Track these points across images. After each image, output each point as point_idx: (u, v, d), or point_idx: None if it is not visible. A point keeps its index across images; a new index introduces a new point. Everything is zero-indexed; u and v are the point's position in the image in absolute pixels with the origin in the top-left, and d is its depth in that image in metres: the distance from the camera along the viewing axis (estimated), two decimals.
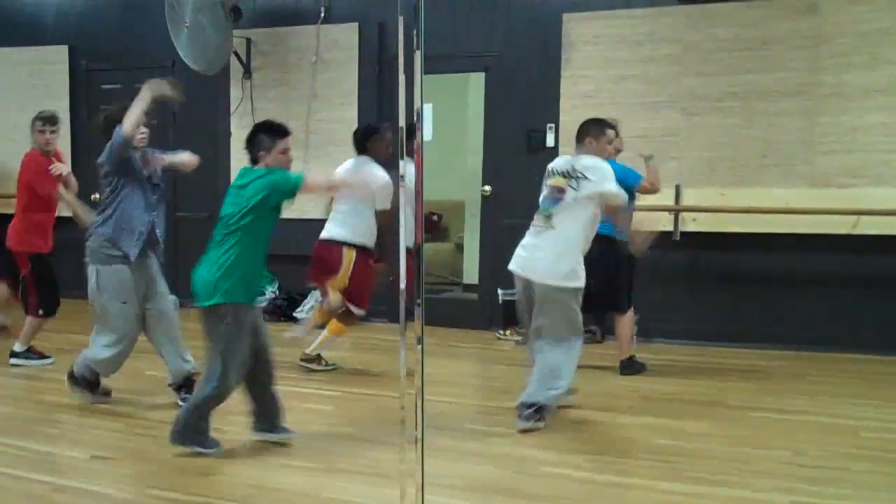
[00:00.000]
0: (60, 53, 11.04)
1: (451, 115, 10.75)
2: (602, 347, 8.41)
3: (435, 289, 10.69)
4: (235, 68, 10.09)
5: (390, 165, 7.11)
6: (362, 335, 8.90)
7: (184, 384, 6.37)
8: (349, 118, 9.62)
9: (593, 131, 6.18)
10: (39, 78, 11.04)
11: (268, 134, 5.40)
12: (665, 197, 8.37)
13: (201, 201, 10.02)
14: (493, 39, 9.27)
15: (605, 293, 7.05)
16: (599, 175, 5.93)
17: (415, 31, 3.05)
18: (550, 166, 6.24)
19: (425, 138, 3.16)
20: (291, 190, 5.26)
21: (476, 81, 10.02)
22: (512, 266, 6.13)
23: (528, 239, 6.12)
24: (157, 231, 6.28)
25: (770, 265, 8.34)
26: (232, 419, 5.98)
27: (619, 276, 7.30)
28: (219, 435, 5.61)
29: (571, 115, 8.71)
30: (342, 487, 4.84)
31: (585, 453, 5.39)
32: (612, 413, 6.26)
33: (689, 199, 8.43)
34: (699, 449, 5.45)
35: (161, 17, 9.26)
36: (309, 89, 9.84)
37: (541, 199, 6.18)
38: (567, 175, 6.00)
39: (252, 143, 5.44)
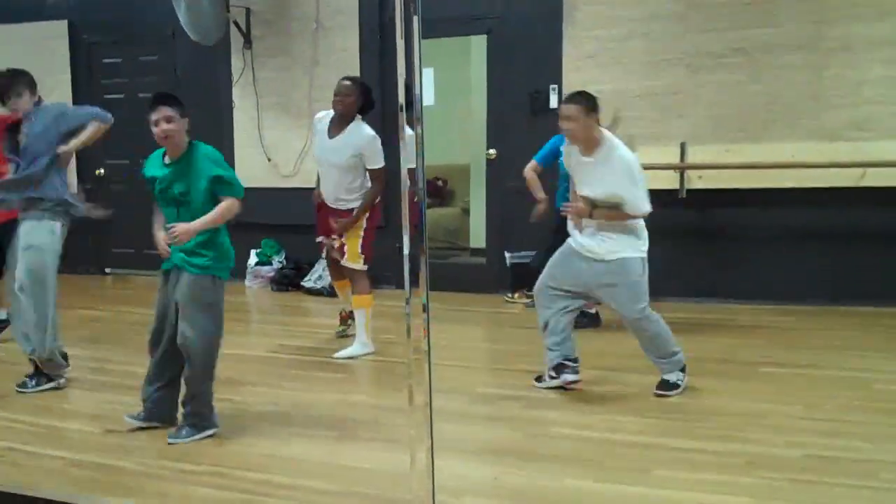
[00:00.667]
0: (60, 28, 11.00)
1: (453, 78, 10.72)
2: (607, 307, 8.37)
3: (442, 253, 10.69)
4: (236, 38, 10.04)
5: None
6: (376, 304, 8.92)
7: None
8: None
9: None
10: (40, 54, 10.99)
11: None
12: (670, 154, 8.35)
13: None
14: (494, 1, 9.21)
15: None
16: None
17: None
18: None
19: (426, 103, 3.13)
20: None
21: (478, 44, 9.97)
22: None
23: None
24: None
25: (777, 220, 8.31)
26: (242, 389, 6.01)
27: None
28: (230, 405, 5.64)
29: (575, 75, 8.68)
30: (354, 454, 4.85)
31: (598, 413, 5.39)
32: (623, 373, 6.25)
33: (694, 156, 8.38)
34: (711, 406, 5.45)
35: None
36: (310, 57, 9.79)
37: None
38: None
39: None
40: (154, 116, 5.17)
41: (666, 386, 5.75)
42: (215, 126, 10.21)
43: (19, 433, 5.36)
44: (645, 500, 4.16)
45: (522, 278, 8.78)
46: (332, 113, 7.03)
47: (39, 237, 6.03)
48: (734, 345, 6.99)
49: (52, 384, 6.20)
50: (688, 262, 8.53)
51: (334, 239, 7.04)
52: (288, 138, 9.84)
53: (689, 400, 5.58)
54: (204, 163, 5.20)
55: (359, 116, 7.03)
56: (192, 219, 5.11)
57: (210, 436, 5.15)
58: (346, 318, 7.65)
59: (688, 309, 8.19)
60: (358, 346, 7.05)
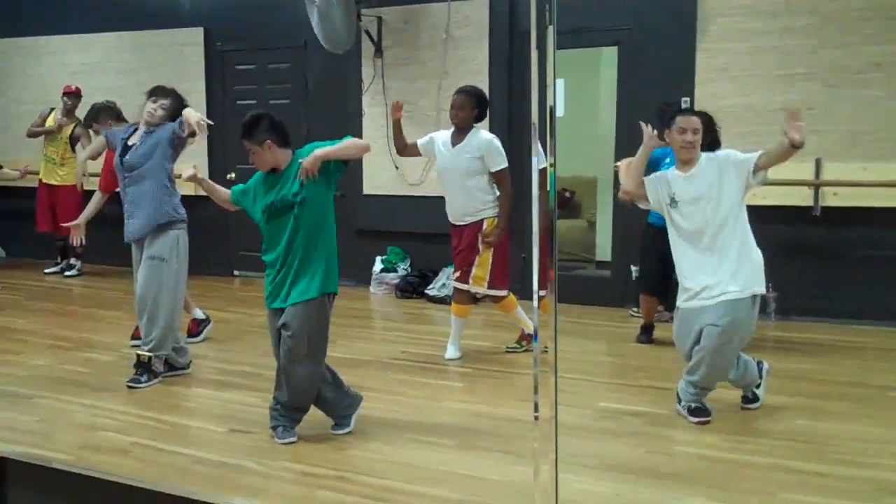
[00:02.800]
0: (196, 35, 11.25)
1: (583, 90, 10.67)
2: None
3: (567, 266, 10.64)
4: (367, 47, 10.14)
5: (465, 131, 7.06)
6: (493, 312, 8.90)
7: None
8: None
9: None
10: (177, 60, 11.27)
11: None
12: (805, 171, 8.17)
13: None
14: (625, 12, 9.13)
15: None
16: None
17: (547, 6, 3.01)
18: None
19: (557, 114, 3.11)
20: None
21: (609, 56, 9.91)
22: None
23: None
24: None
25: None
26: (364, 395, 6.04)
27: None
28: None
29: (707, 88, 8.56)
30: (476, 465, 4.85)
31: (721, 433, 5.29)
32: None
33: (829, 173, 8.18)
34: (839, 430, 5.31)
35: None
36: (439, 67, 9.84)
37: None
38: None
39: None
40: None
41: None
42: (344, 133, 10.29)
43: (146, 429, 5.51)
44: None
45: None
46: (448, 131, 7.14)
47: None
48: (865, 368, 6.79)
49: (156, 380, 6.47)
50: (820, 282, 8.32)
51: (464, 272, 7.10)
52: None
53: (817, 423, 5.44)
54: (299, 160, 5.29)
55: (475, 125, 7.06)
56: (310, 222, 5.17)
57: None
58: (524, 338, 7.42)
59: (818, 329, 8.01)
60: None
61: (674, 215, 5.65)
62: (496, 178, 6.98)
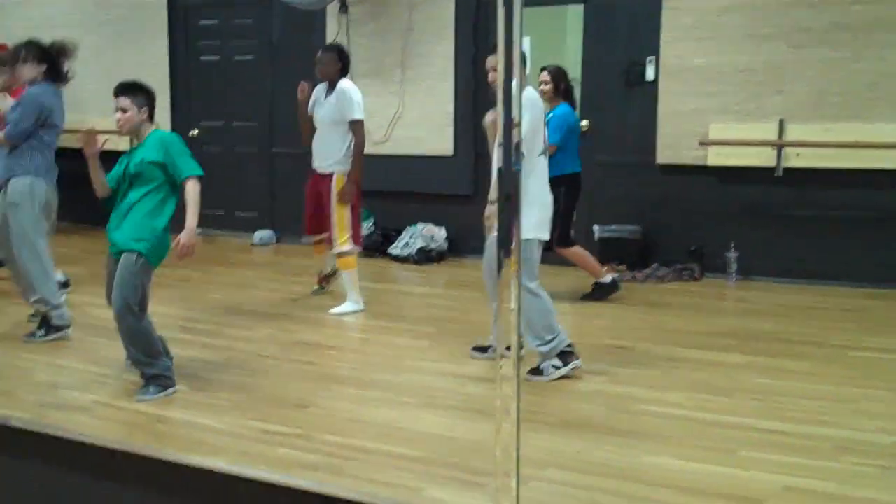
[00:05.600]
0: None
1: (549, 48, 10.61)
2: (700, 286, 8.30)
3: None
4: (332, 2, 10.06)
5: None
6: (456, 271, 8.92)
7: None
8: (445, 53, 9.56)
9: None
10: (139, 14, 11.14)
11: None
12: (768, 131, 8.19)
13: (298, 137, 10.09)
14: None
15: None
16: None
17: None
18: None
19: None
20: None
21: (575, 14, 9.86)
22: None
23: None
24: None
25: (875, 202, 8.10)
26: (325, 353, 6.05)
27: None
28: (314, 369, 5.71)
29: (673, 47, 8.56)
30: (437, 422, 4.86)
31: (684, 390, 5.33)
32: (710, 351, 6.17)
33: (793, 134, 8.21)
34: (800, 388, 5.35)
35: None
36: (405, 23, 9.77)
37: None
38: None
39: None
40: (113, 105, 5.42)
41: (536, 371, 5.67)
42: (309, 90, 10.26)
43: (107, 387, 5.49)
44: (729, 480, 4.10)
45: (611, 252, 8.72)
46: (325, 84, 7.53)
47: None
48: (826, 327, 6.85)
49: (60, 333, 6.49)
50: (782, 242, 8.38)
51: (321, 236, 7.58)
52: (380, 105, 9.84)
53: (778, 382, 5.48)
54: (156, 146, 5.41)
55: (343, 78, 7.45)
56: (137, 196, 5.34)
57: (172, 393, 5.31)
58: (322, 280, 8.00)
59: (780, 289, 8.08)
60: (350, 304, 7.34)
61: None
62: (351, 128, 7.32)
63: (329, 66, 7.43)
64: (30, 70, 6.45)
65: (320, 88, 7.58)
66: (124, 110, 5.38)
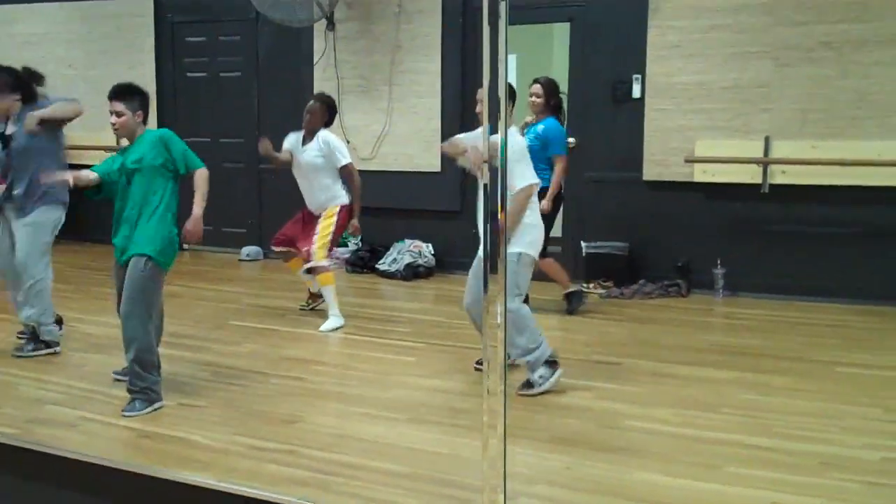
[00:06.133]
0: (146, 6, 11.11)
1: (535, 66, 10.66)
2: (686, 302, 8.33)
3: None
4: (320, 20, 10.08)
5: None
6: (443, 286, 8.92)
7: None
8: (433, 69, 9.58)
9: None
10: (126, 31, 11.14)
11: None
12: (754, 148, 8.23)
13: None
14: None
15: None
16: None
17: None
18: None
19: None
20: None
21: (561, 31, 9.91)
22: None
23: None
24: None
25: (860, 219, 8.13)
26: (314, 369, 6.05)
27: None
28: (302, 385, 5.72)
29: (658, 65, 8.60)
30: (425, 438, 4.86)
31: (670, 406, 5.34)
32: (697, 367, 6.18)
33: (779, 151, 8.25)
34: (786, 404, 5.37)
35: None
36: (392, 40, 9.80)
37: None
38: None
39: None
40: (109, 109, 5.45)
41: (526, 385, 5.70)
42: (295, 107, 10.26)
43: (94, 403, 5.47)
44: (715, 496, 4.11)
45: (598, 268, 8.75)
46: (299, 133, 7.68)
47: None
48: (812, 343, 6.87)
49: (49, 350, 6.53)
50: (768, 258, 8.40)
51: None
52: (367, 122, 9.88)
53: (764, 398, 5.50)
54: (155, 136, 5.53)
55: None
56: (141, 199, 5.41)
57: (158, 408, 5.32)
58: (312, 298, 8.03)
59: (765, 305, 8.09)
60: (334, 320, 7.36)
61: None
62: (343, 174, 7.54)
63: (318, 118, 7.56)
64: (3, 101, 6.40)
65: (293, 137, 7.73)
66: (119, 114, 5.41)
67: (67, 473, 4.50)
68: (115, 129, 5.47)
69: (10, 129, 6.37)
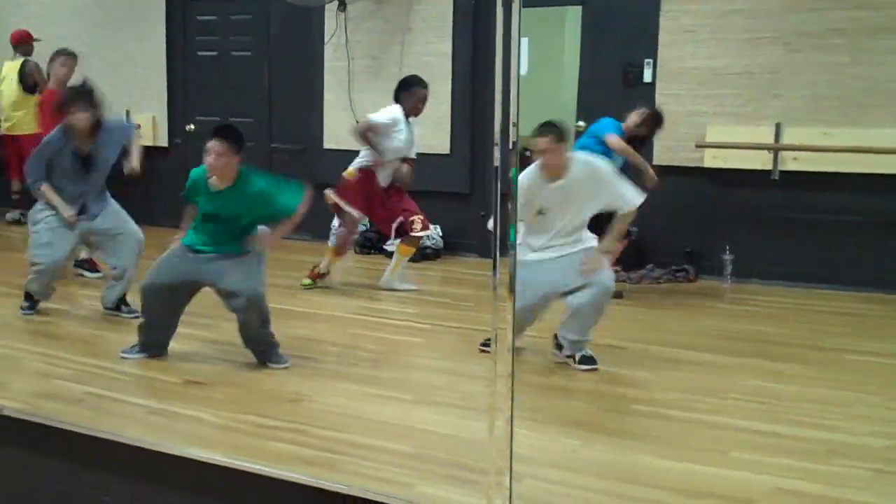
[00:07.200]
0: None
1: (547, 49, 10.63)
2: (694, 287, 8.31)
3: None
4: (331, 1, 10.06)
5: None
6: (452, 268, 8.92)
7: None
8: (443, 51, 9.55)
9: None
10: (137, 6, 11.11)
11: None
12: (765, 134, 8.21)
13: (296, 133, 10.10)
14: None
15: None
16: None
17: None
18: None
19: (521, 72, 3.10)
20: None
21: (573, 15, 9.87)
22: None
23: None
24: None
25: (871, 207, 8.10)
26: (322, 349, 6.06)
27: None
28: (309, 364, 5.73)
29: (670, 50, 8.56)
30: (432, 419, 4.87)
31: (677, 391, 5.34)
32: (705, 353, 6.17)
33: (790, 137, 8.21)
34: (793, 391, 5.37)
35: None
36: (403, 22, 9.77)
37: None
38: None
39: None
40: (208, 145, 5.59)
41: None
42: (306, 86, 10.26)
43: (101, 378, 5.49)
44: (721, 480, 4.11)
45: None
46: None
47: None
48: (820, 331, 6.86)
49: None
50: (777, 245, 8.38)
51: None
52: (377, 103, 9.83)
53: (771, 384, 5.49)
54: (254, 192, 5.72)
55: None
56: (232, 234, 5.73)
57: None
58: (317, 277, 8.08)
59: (775, 292, 8.08)
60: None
61: None
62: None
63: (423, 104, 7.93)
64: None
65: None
66: (220, 154, 5.58)
67: (73, 448, 4.51)
68: (211, 168, 5.63)
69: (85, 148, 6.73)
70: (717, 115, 8.41)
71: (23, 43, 10.44)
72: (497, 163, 3.14)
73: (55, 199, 6.64)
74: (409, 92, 7.87)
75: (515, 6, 2.98)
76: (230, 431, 4.68)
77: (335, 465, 4.24)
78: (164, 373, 5.64)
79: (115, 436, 4.45)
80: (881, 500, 3.96)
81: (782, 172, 8.23)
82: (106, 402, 5.09)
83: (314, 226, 8.83)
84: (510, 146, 3.09)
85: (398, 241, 7.99)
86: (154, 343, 5.86)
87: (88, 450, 4.42)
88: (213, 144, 5.52)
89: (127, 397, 5.16)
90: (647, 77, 8.77)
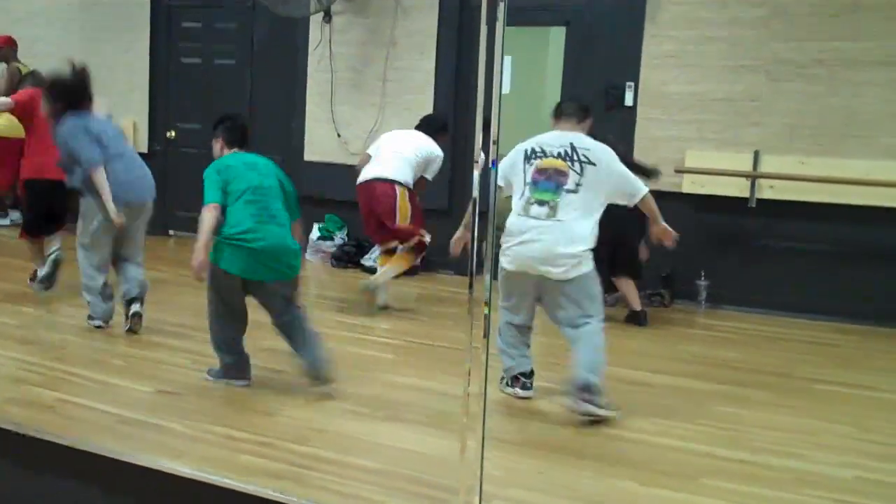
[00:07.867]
0: None
1: (530, 68, 10.66)
2: (669, 312, 8.33)
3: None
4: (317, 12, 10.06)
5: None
6: (428, 285, 8.91)
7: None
8: (427, 67, 9.57)
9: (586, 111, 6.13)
10: (122, 11, 11.09)
11: None
12: (743, 162, 8.25)
13: (276, 144, 10.07)
14: None
15: (629, 258, 7.55)
16: (607, 160, 5.75)
17: None
18: (537, 144, 5.98)
19: (504, 91, 3.11)
20: None
21: (557, 35, 9.90)
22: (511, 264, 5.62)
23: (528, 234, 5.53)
24: None
25: (847, 237, 8.15)
26: (294, 361, 6.03)
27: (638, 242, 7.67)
28: (280, 377, 5.71)
29: (652, 73, 8.60)
30: (402, 436, 4.86)
31: (648, 416, 5.34)
32: (677, 377, 6.20)
33: (767, 165, 8.26)
34: (763, 418, 5.38)
35: None
36: (388, 35, 9.78)
37: (529, 181, 5.68)
38: (566, 157, 5.72)
39: None
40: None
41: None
42: (288, 97, 10.25)
43: (73, 385, 5.46)
44: None
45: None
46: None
47: None
48: (792, 359, 6.88)
49: None
50: (752, 272, 8.41)
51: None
52: (359, 116, 9.86)
53: (742, 411, 5.51)
54: None
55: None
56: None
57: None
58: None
59: (747, 319, 8.10)
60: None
61: None
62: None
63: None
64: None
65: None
66: None
67: (42, 456, 4.48)
68: None
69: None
70: (697, 141, 8.45)
71: (3, 47, 10.40)
72: (476, 180, 3.14)
73: (105, 190, 6.52)
74: (445, 133, 8.33)
75: (500, 25, 2.99)
76: (199, 442, 4.65)
77: (303, 480, 4.22)
78: (136, 381, 5.61)
79: (83, 444, 4.43)
80: None
81: (759, 200, 8.28)
82: (77, 410, 5.05)
83: None
84: (489, 164, 3.09)
85: (378, 254, 8.03)
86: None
87: (57, 457, 4.39)
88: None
89: (98, 405, 5.12)
90: (629, 100, 8.80)
